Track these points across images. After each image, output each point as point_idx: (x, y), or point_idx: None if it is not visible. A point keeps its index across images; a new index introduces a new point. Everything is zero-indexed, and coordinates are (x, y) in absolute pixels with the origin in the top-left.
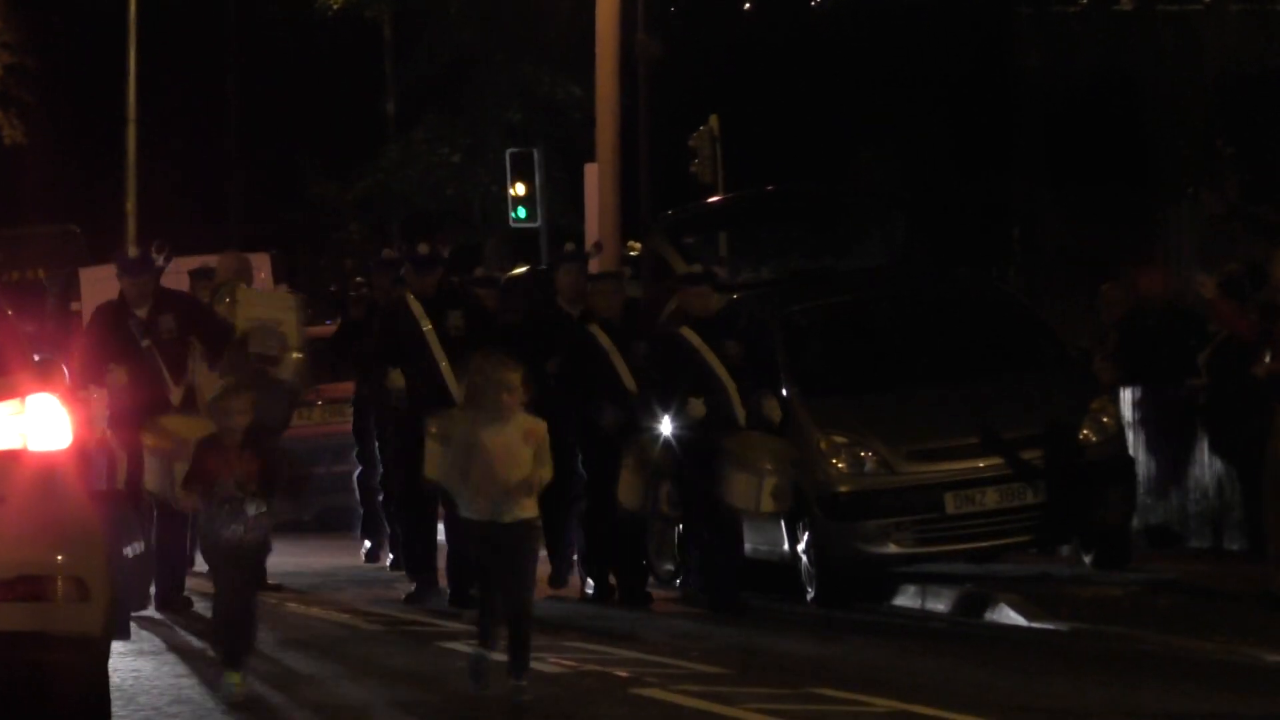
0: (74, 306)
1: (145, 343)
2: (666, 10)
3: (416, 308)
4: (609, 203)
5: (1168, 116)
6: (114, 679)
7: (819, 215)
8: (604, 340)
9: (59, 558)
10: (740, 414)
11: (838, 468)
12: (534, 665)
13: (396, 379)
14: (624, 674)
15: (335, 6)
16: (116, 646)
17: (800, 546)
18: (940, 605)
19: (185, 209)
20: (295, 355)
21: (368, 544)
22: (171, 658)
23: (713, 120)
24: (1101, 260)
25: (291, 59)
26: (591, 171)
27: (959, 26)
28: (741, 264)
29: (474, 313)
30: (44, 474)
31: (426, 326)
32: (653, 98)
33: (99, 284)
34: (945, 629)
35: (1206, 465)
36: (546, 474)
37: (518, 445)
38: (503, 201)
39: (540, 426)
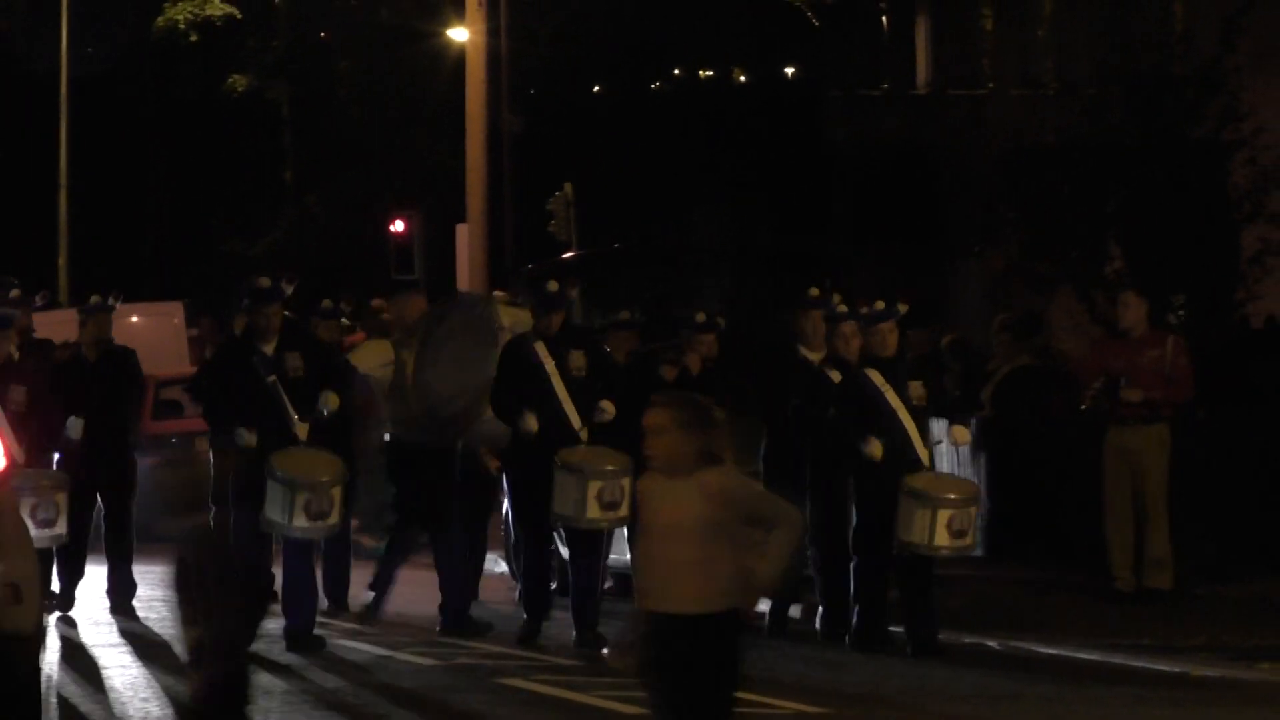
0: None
1: (270, 379)
2: (527, 92)
3: (540, 347)
4: (478, 258)
5: (957, 184)
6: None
7: (659, 268)
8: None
9: None
10: (923, 455)
11: None
12: (407, 659)
13: (531, 423)
14: (489, 665)
15: (240, 90)
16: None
17: None
18: (761, 605)
19: (109, 263)
20: None
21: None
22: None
23: (567, 187)
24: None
25: (203, 133)
26: (463, 231)
27: (779, 106)
28: (592, 310)
29: (596, 353)
30: None
31: (550, 366)
32: (516, 167)
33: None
34: (766, 626)
35: (983, 483)
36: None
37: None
38: (385, 256)
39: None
